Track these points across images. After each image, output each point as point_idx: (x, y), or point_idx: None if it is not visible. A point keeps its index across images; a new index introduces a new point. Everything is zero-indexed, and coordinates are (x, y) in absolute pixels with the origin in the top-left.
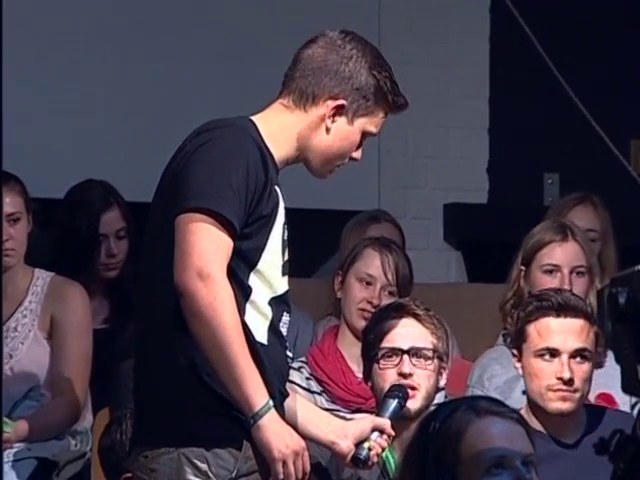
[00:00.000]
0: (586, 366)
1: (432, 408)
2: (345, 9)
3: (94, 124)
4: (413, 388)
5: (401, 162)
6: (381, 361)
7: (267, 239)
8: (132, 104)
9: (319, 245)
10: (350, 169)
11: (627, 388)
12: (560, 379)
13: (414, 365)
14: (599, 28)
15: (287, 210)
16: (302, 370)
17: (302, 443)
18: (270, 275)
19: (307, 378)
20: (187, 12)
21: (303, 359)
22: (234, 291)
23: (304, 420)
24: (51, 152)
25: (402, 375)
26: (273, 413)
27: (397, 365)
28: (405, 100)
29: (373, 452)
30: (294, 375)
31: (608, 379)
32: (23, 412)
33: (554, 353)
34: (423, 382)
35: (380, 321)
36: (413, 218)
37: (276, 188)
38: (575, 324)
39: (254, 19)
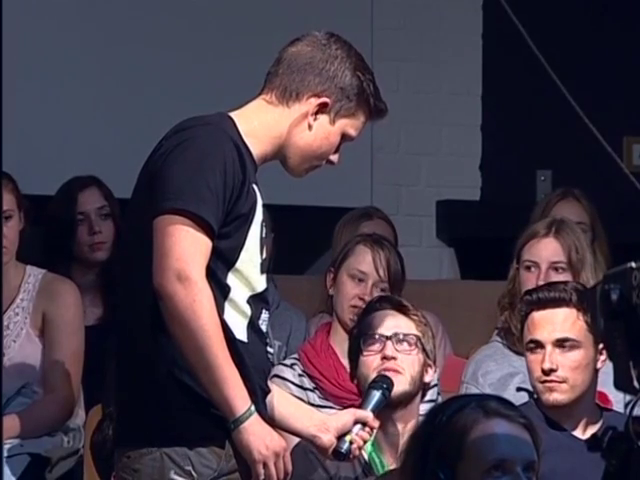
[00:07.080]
0: (574, 354)
1: (440, 401)
2: (338, 6)
3: (86, 121)
4: (396, 371)
5: (394, 159)
6: (364, 348)
7: (245, 238)
8: (124, 101)
9: (311, 242)
10: (342, 166)
11: (619, 385)
12: (543, 370)
13: (397, 350)
14: (592, 25)
15: (279, 207)
16: (294, 367)
17: (283, 444)
18: (248, 274)
19: (300, 375)
20: (174, 11)
21: (295, 356)
22: (213, 290)
23: (286, 414)
24: (43, 149)
25: (385, 358)
26: (254, 416)
27: (380, 351)
28: (385, 106)
29: (354, 445)
30: (286, 372)
31: (602, 377)
32: (15, 409)
33: (539, 345)
34: (407, 366)
35: (364, 315)
36: (405, 215)
37: (254, 186)
38: (556, 314)
39: (242, 15)
